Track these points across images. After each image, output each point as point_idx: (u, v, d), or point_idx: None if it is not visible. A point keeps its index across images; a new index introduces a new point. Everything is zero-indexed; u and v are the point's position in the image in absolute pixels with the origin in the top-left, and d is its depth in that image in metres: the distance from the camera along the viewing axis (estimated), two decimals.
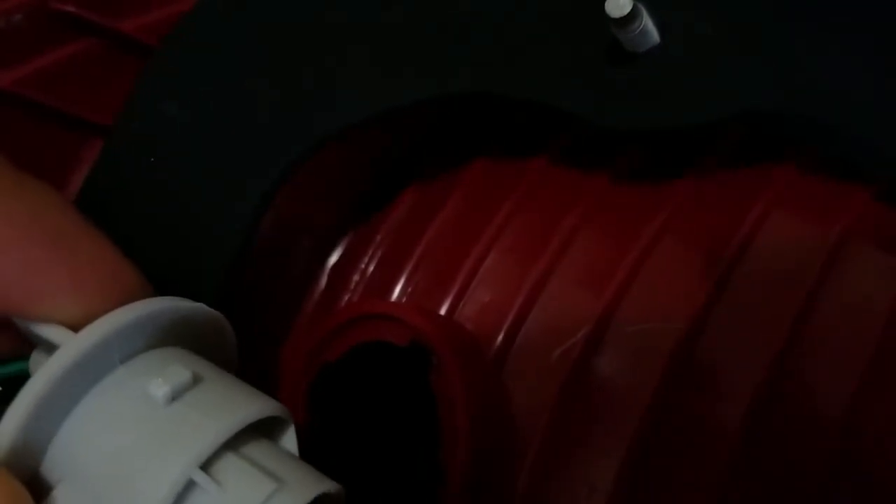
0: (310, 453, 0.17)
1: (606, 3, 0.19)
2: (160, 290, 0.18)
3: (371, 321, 0.21)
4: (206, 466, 0.15)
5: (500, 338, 0.23)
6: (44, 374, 0.15)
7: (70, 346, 0.15)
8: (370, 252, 0.27)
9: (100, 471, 0.15)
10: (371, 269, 0.27)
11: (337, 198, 0.27)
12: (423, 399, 0.21)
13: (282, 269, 0.27)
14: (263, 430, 0.17)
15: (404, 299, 0.25)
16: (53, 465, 0.15)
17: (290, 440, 0.17)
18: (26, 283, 0.16)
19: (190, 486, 0.15)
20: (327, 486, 0.16)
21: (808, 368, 0.20)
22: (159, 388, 0.15)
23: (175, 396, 0.15)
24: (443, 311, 0.24)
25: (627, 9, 0.19)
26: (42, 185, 0.17)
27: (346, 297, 0.26)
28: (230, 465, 0.15)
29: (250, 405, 0.16)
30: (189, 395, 0.16)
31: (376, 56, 0.22)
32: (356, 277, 0.27)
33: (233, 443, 0.15)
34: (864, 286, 0.20)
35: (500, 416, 0.21)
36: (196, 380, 0.16)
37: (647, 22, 0.19)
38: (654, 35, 0.20)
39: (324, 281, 0.27)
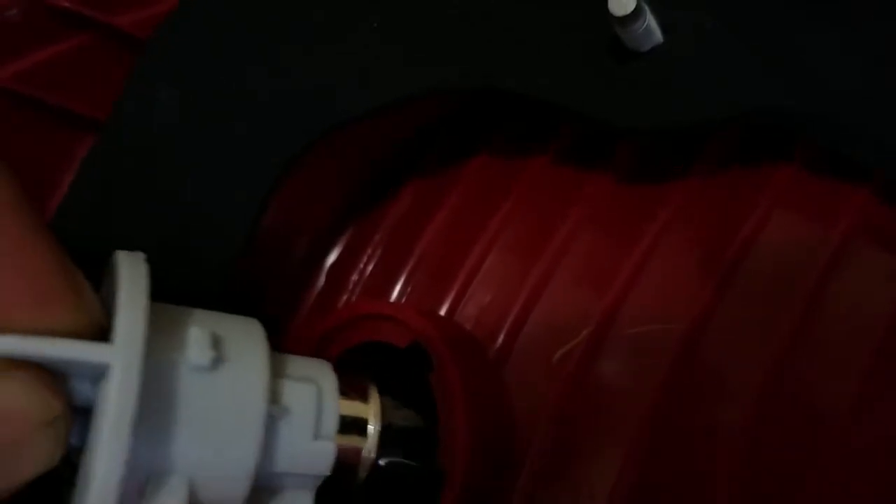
0: None
1: (610, 2, 0.18)
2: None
3: (371, 322, 0.21)
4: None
5: (501, 339, 0.23)
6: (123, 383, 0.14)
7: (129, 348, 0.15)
8: (369, 252, 0.27)
9: (192, 438, 0.16)
10: (370, 268, 0.26)
11: (335, 197, 0.27)
12: (422, 400, 0.20)
13: (280, 268, 0.26)
14: None
15: (403, 299, 0.25)
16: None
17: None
18: None
19: (269, 420, 0.17)
20: (327, 366, 0.19)
21: (811, 369, 0.19)
22: (203, 357, 0.16)
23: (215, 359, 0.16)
24: (442, 312, 0.24)
25: (631, 7, 0.18)
26: None
27: (345, 298, 0.26)
28: (279, 388, 0.17)
29: (255, 331, 0.18)
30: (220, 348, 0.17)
31: (377, 47, 0.22)
32: (355, 277, 0.26)
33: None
34: (867, 286, 0.20)
35: (500, 418, 0.21)
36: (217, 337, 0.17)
37: (650, 20, 0.19)
38: (657, 34, 0.20)
39: (322, 281, 0.27)
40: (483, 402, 0.20)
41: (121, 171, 0.23)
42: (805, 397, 0.19)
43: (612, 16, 0.19)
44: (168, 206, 0.22)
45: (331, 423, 0.18)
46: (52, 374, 0.14)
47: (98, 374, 0.15)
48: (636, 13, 0.19)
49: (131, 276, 0.16)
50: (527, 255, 0.23)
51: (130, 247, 0.17)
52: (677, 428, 0.20)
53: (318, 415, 0.18)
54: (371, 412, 0.20)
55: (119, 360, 0.14)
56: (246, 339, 0.18)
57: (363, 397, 0.20)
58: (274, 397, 0.17)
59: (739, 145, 0.22)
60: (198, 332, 0.16)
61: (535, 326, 0.23)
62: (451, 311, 0.24)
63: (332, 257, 0.27)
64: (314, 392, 0.18)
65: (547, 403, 0.21)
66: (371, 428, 0.19)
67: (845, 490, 0.18)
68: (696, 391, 0.20)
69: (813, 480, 0.19)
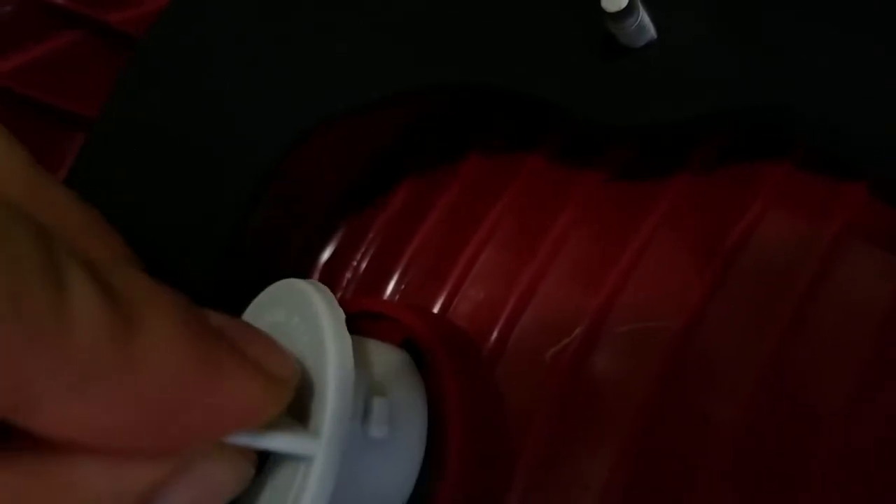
0: None
1: None
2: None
3: (364, 320, 0.21)
4: None
5: (494, 336, 0.23)
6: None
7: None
8: (362, 249, 0.27)
9: None
10: (363, 266, 0.26)
11: (328, 194, 0.27)
12: None
13: (273, 266, 0.26)
14: None
15: (397, 297, 0.25)
16: None
17: None
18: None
19: None
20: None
21: (805, 366, 0.19)
22: (381, 431, 0.17)
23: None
24: (436, 309, 0.24)
25: (623, 3, 0.18)
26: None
27: (339, 295, 0.26)
28: None
29: (419, 396, 0.19)
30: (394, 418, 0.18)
31: (369, 43, 0.22)
32: (348, 275, 0.26)
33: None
34: (861, 282, 0.20)
35: (494, 416, 0.21)
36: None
37: (644, 16, 0.19)
38: (651, 30, 0.20)
39: (315, 278, 0.27)
40: (477, 399, 0.20)
41: (111, 168, 0.23)
42: (799, 394, 0.19)
43: (604, 12, 0.19)
44: (158, 202, 0.22)
45: None
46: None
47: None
48: (629, 9, 0.18)
49: (341, 349, 0.16)
50: (521, 252, 0.23)
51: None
52: (671, 424, 0.20)
53: None
54: None
55: (322, 454, 0.15)
56: (411, 406, 0.19)
57: None
58: None
59: (734, 143, 0.22)
60: (381, 404, 0.17)
61: (528, 324, 0.23)
62: (444, 309, 0.24)
63: (325, 254, 0.27)
64: None
65: (541, 400, 0.21)
66: None
67: (839, 487, 0.18)
68: (690, 387, 0.20)
69: (807, 476, 0.19)
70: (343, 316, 0.16)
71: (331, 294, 0.17)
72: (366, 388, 0.17)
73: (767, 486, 0.19)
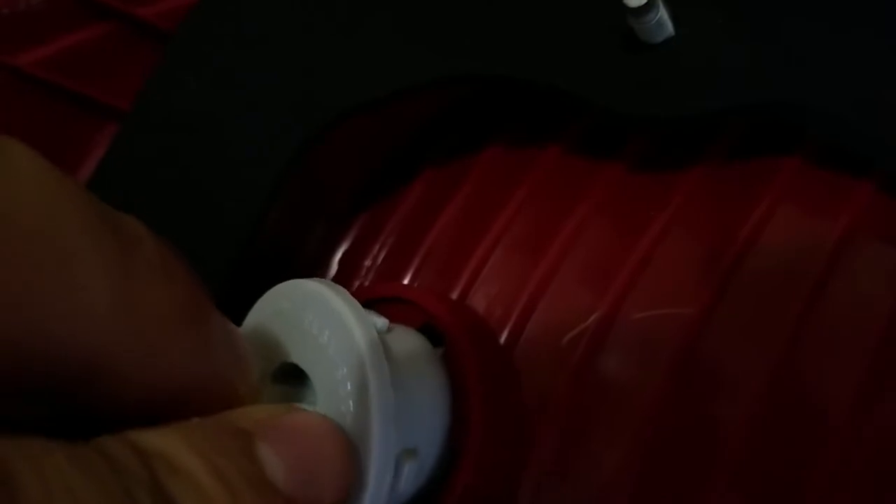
0: None
1: None
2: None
3: (383, 304, 0.21)
4: None
5: (509, 328, 0.23)
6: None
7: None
8: (380, 241, 0.27)
9: None
10: (380, 259, 0.27)
11: (347, 188, 0.27)
12: None
13: (293, 256, 0.27)
14: None
15: (415, 286, 0.25)
16: None
17: None
18: None
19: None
20: None
21: (813, 365, 0.19)
22: (408, 487, 0.18)
23: None
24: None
25: None
26: None
27: (357, 283, 0.26)
28: None
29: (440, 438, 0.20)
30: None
31: (391, 37, 0.23)
32: (367, 262, 0.27)
33: None
34: (869, 280, 0.20)
35: (512, 402, 0.21)
36: None
37: (663, 13, 0.20)
38: (669, 26, 0.20)
39: (334, 270, 0.27)
40: (496, 384, 0.20)
41: (145, 152, 0.23)
42: (806, 393, 0.19)
43: (626, 6, 0.19)
44: (184, 188, 0.23)
45: None
46: None
47: None
48: (649, 4, 0.19)
49: (384, 433, 0.16)
50: (535, 246, 0.24)
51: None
52: (680, 421, 0.20)
53: None
54: None
55: None
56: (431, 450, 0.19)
57: None
58: None
59: (746, 139, 0.22)
60: (412, 466, 0.18)
61: (541, 319, 0.23)
62: (461, 299, 0.24)
63: (344, 245, 0.28)
64: None
65: (554, 392, 0.21)
66: None
67: (845, 488, 0.18)
68: (700, 383, 0.20)
69: (813, 477, 0.19)
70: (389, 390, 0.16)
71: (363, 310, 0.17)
72: (400, 450, 0.17)
73: (774, 487, 0.19)
